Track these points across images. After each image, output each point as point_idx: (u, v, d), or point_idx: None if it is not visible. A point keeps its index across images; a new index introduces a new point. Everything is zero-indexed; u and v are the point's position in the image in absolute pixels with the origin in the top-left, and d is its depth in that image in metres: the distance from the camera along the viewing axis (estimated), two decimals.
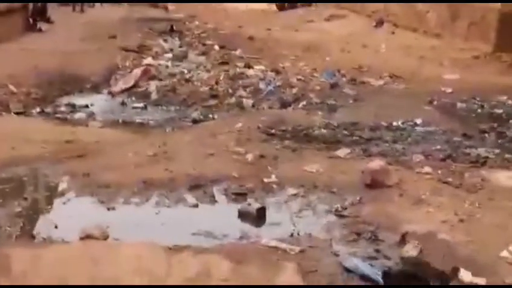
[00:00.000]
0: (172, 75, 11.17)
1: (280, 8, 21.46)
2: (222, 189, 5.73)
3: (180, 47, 14.40)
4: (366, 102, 9.53)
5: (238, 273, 4.17)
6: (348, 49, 13.78)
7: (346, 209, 5.34)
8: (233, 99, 9.75)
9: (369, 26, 16.98)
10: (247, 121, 7.87)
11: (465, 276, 4.18)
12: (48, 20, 15.15)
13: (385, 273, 4.26)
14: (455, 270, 4.25)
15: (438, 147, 7.17)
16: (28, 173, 6.06)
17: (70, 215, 5.25)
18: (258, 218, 5.17)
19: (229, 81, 10.71)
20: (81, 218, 5.01)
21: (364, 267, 4.29)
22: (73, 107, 9.19)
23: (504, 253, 4.46)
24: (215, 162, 6.30)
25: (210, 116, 8.99)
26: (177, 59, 12.72)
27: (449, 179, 5.94)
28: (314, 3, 20.74)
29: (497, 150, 7.12)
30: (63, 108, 9.12)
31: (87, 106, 9.30)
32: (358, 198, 5.50)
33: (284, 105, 9.51)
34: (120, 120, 8.82)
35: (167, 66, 11.90)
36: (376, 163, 5.83)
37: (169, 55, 13.06)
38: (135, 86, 10.40)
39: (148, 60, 12.25)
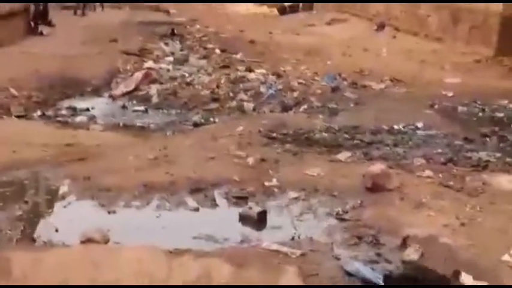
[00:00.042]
0: (173, 78, 11.18)
1: (282, 12, 21.48)
2: (223, 192, 5.72)
3: (181, 50, 14.42)
4: (367, 105, 9.53)
5: (239, 277, 4.16)
6: (349, 53, 13.79)
7: (347, 212, 5.33)
8: (234, 103, 9.74)
9: (370, 29, 17.00)
10: (248, 125, 7.86)
11: (466, 280, 4.17)
12: (49, 24, 15.16)
13: (386, 277, 4.25)
14: (457, 274, 4.24)
15: (439, 150, 7.17)
16: (29, 176, 6.05)
17: (71, 218, 5.24)
18: (259, 221, 5.16)
19: (230, 84, 10.71)
20: (81, 222, 5.00)
21: (365, 271, 4.28)
22: (74, 111, 9.18)
23: (505, 257, 4.45)
24: (216, 165, 6.29)
25: (211, 119, 8.98)
26: (178, 62, 12.72)
27: (451, 183, 5.93)
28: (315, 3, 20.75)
29: (498, 154, 7.12)
30: (64, 112, 9.11)
31: (88, 109, 9.29)
32: (359, 201, 5.49)
33: (285, 108, 9.50)
34: (121, 124, 8.80)
35: (168, 70, 11.90)
36: (377, 167, 5.82)
37: (171, 59, 13.06)
38: (136, 89, 10.39)
39: (150, 63, 12.26)
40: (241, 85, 10.64)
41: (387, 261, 4.52)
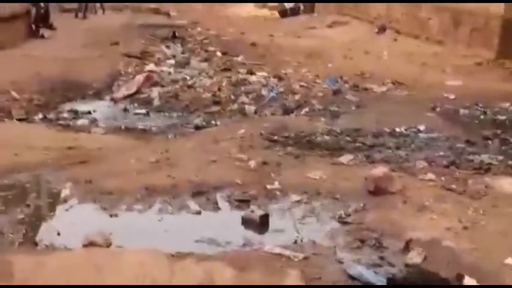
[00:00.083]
0: (175, 81, 11.17)
1: (283, 15, 21.48)
2: (225, 196, 5.71)
3: (183, 53, 14.41)
4: (368, 108, 9.52)
5: (241, 281, 4.15)
6: (350, 56, 13.78)
7: (349, 215, 5.32)
8: (235, 106, 9.73)
9: (371, 32, 17.00)
10: (249, 128, 7.85)
11: (469, 283, 4.16)
12: (50, 27, 15.16)
13: (389, 280, 4.24)
14: (460, 277, 4.24)
15: (441, 153, 7.16)
16: (31, 179, 6.04)
17: (73, 221, 5.23)
18: (261, 225, 5.15)
19: (232, 87, 10.70)
20: (83, 225, 4.99)
21: (368, 275, 4.27)
22: (75, 114, 9.17)
23: (508, 260, 4.45)
24: (218, 169, 6.28)
25: (213, 122, 8.97)
26: (180, 65, 12.72)
27: (453, 186, 5.92)
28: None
29: (500, 157, 7.11)
30: (65, 115, 9.10)
31: (89, 112, 9.28)
32: (361, 205, 5.48)
33: (287, 111, 9.49)
34: (123, 127, 8.79)
35: (169, 73, 11.90)
36: (380, 170, 5.82)
37: (172, 61, 13.06)
38: (137, 92, 10.39)
39: (151, 66, 12.25)
40: (242, 88, 10.63)
41: (390, 264, 4.51)
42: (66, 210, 5.47)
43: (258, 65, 12.71)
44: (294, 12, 21.56)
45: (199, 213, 5.42)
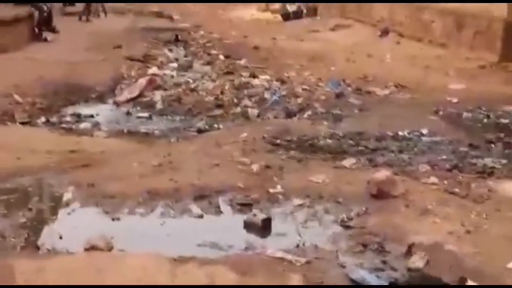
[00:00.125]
0: (178, 85, 11.16)
1: (285, 18, 21.48)
2: (227, 199, 5.70)
3: (185, 56, 14.40)
4: (371, 112, 9.50)
5: (243, 285, 4.15)
6: (353, 59, 13.76)
7: (352, 219, 5.31)
8: (238, 109, 9.72)
9: (374, 35, 16.98)
10: (252, 131, 7.85)
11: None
12: (53, 30, 15.16)
13: (392, 285, 4.23)
14: (463, 281, 4.23)
15: (444, 157, 7.15)
16: (33, 183, 6.04)
17: (75, 225, 5.23)
18: (264, 228, 5.14)
19: (235, 90, 10.69)
20: (85, 229, 4.99)
21: (371, 279, 4.26)
22: (78, 117, 9.16)
23: (511, 264, 4.43)
24: (220, 172, 6.28)
25: (215, 125, 8.95)
26: (182, 68, 12.71)
27: (456, 190, 5.91)
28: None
29: (503, 161, 7.09)
30: (68, 118, 9.09)
31: (92, 116, 9.27)
32: (364, 208, 5.47)
33: (289, 115, 9.48)
34: (125, 130, 8.77)
35: (172, 76, 11.89)
36: (382, 173, 5.81)
37: (175, 65, 13.05)
38: (140, 95, 10.38)
39: (154, 69, 12.24)
40: (245, 91, 10.62)
41: (393, 268, 4.50)
42: (68, 214, 5.47)
43: (260, 68, 12.70)
44: (297, 15, 21.55)
45: (201, 217, 5.41)
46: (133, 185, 5.90)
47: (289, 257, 4.51)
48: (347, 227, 5.18)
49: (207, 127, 8.86)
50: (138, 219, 5.37)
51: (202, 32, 17.97)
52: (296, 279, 4.21)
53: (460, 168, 6.69)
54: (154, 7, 22.98)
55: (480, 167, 6.79)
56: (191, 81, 11.45)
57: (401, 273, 4.45)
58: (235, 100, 10.14)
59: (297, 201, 5.68)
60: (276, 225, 5.22)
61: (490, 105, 9.81)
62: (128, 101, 10.20)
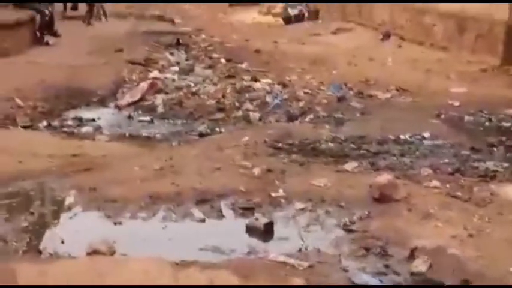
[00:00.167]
0: (179, 88, 11.15)
1: (287, 21, 21.47)
2: (229, 203, 5.70)
3: (187, 60, 14.38)
4: (373, 115, 9.50)
5: None
6: (354, 62, 13.76)
7: (354, 223, 5.30)
8: (240, 113, 9.71)
9: (375, 39, 16.97)
10: (254, 135, 7.85)
11: None
12: (55, 34, 15.15)
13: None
14: (466, 282, 4.23)
15: (446, 160, 7.14)
16: (35, 187, 6.04)
17: (77, 229, 5.23)
18: (266, 232, 5.14)
19: (236, 94, 10.68)
20: (87, 233, 4.99)
21: (374, 283, 4.25)
22: (80, 121, 9.15)
23: None
24: (222, 176, 6.27)
25: (217, 129, 8.94)
26: (184, 72, 12.70)
27: (458, 193, 5.90)
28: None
29: (506, 164, 7.08)
30: (70, 122, 9.08)
31: (93, 120, 9.26)
32: (366, 212, 5.47)
33: (291, 118, 9.47)
34: (127, 134, 8.76)
35: (174, 80, 11.88)
36: (384, 177, 5.80)
37: (176, 68, 13.04)
38: (141, 99, 10.36)
39: (155, 73, 12.23)
40: (246, 95, 10.62)
41: (395, 272, 4.49)
42: (70, 218, 5.47)
43: (262, 71, 12.69)
44: (298, 18, 21.53)
45: (203, 221, 5.40)
46: (135, 189, 5.89)
47: (291, 261, 4.50)
48: (349, 231, 5.17)
49: (208, 131, 8.85)
50: (140, 223, 5.36)
51: (203, 36, 17.96)
52: (298, 284, 4.20)
53: (462, 171, 6.68)
54: (156, 11, 22.99)
55: (482, 170, 6.79)
56: (193, 84, 11.44)
57: (404, 277, 4.44)
58: (237, 104, 10.14)
59: (299, 205, 5.67)
60: (278, 229, 5.21)
61: (491, 108, 9.80)
62: (130, 104, 10.19)
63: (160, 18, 21.93)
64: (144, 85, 10.80)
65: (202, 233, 5.18)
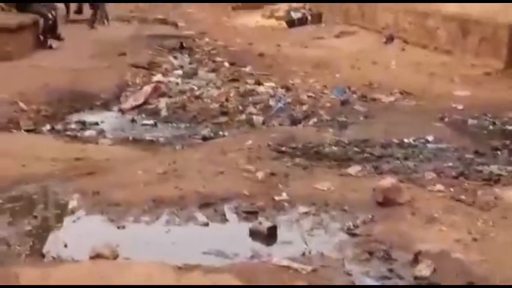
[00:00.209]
0: (182, 92, 11.16)
1: (290, 25, 21.49)
2: (232, 207, 5.68)
3: (190, 64, 14.40)
4: (376, 119, 9.49)
5: None
6: (358, 66, 13.75)
7: (358, 227, 5.29)
8: (243, 116, 9.70)
9: (378, 42, 16.96)
10: (257, 138, 7.84)
11: None
12: (58, 37, 15.18)
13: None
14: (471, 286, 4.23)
15: (450, 164, 7.12)
16: (38, 191, 6.04)
17: (80, 233, 5.22)
18: (269, 236, 5.12)
19: (240, 98, 10.68)
20: (91, 237, 4.98)
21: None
22: (83, 125, 9.16)
23: None
24: (225, 180, 6.26)
25: (220, 133, 8.94)
26: (187, 76, 12.71)
27: (462, 197, 5.88)
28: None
29: (510, 168, 7.05)
30: (73, 126, 9.09)
31: (97, 123, 9.27)
32: (370, 216, 5.45)
33: (294, 122, 9.46)
34: (130, 138, 8.76)
35: (177, 83, 11.88)
36: (388, 181, 5.78)
37: (179, 72, 13.05)
38: (145, 103, 10.37)
39: (158, 77, 12.24)
40: (250, 98, 10.62)
41: (399, 277, 4.48)
42: (74, 221, 5.46)
43: (265, 75, 12.69)
44: (302, 22, 21.55)
45: (206, 224, 5.39)
46: (138, 192, 5.89)
47: (295, 265, 4.49)
48: (353, 235, 5.16)
49: (212, 134, 8.85)
50: (143, 227, 5.35)
51: (207, 39, 17.98)
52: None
53: (466, 175, 6.66)
54: (159, 14, 23.03)
55: (486, 174, 6.76)
56: (196, 88, 11.45)
57: (408, 281, 4.42)
58: (240, 107, 10.14)
59: (303, 208, 5.66)
60: (281, 233, 5.20)
61: (495, 112, 9.78)
62: (133, 108, 10.20)
63: (164, 21, 21.97)
64: (147, 89, 10.81)
65: (206, 237, 5.17)
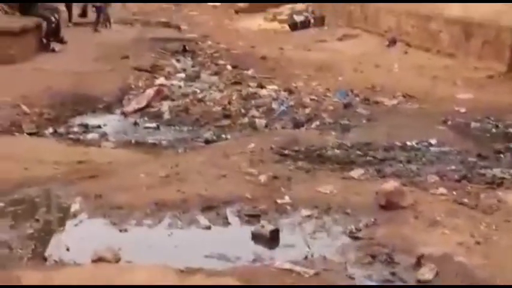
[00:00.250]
0: (185, 95, 11.16)
1: (293, 28, 21.50)
2: (235, 210, 5.67)
3: (193, 67, 14.41)
4: (379, 122, 9.48)
5: None
6: (360, 69, 13.75)
7: (360, 230, 5.28)
8: (246, 119, 9.70)
9: (381, 45, 16.96)
10: (260, 141, 7.83)
11: None
12: (61, 40, 15.19)
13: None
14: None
15: (453, 167, 7.10)
16: (40, 194, 6.04)
17: (82, 237, 5.21)
18: (272, 240, 5.11)
19: (242, 101, 10.68)
20: (93, 240, 4.98)
21: None
22: (86, 128, 9.15)
23: None
24: (228, 183, 6.25)
25: (223, 136, 8.94)
26: (190, 79, 12.72)
27: (465, 200, 5.87)
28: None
29: None
30: (75, 129, 9.09)
31: (99, 126, 9.27)
32: (372, 219, 5.44)
33: (297, 125, 9.46)
34: (133, 141, 8.76)
35: (180, 86, 11.89)
36: (391, 184, 5.77)
37: (182, 75, 13.06)
38: (147, 106, 10.37)
39: (161, 80, 12.25)
40: (252, 101, 10.62)
41: (402, 280, 4.47)
42: (76, 225, 5.45)
43: (268, 78, 12.70)
44: (304, 25, 21.56)
45: (209, 228, 5.38)
46: (140, 196, 5.88)
47: (297, 268, 4.48)
48: (355, 238, 5.15)
49: (214, 137, 8.85)
50: (145, 231, 5.34)
51: (209, 42, 17.99)
52: None
53: (469, 178, 6.65)
54: (162, 17, 23.06)
55: (489, 177, 6.75)
56: (199, 91, 11.45)
57: (411, 284, 4.41)
58: (243, 110, 10.14)
59: (305, 212, 5.64)
60: (284, 237, 5.19)
61: (498, 115, 9.77)
62: (136, 111, 10.20)
63: (166, 24, 22.00)
64: (150, 92, 10.82)
65: (208, 240, 5.16)
